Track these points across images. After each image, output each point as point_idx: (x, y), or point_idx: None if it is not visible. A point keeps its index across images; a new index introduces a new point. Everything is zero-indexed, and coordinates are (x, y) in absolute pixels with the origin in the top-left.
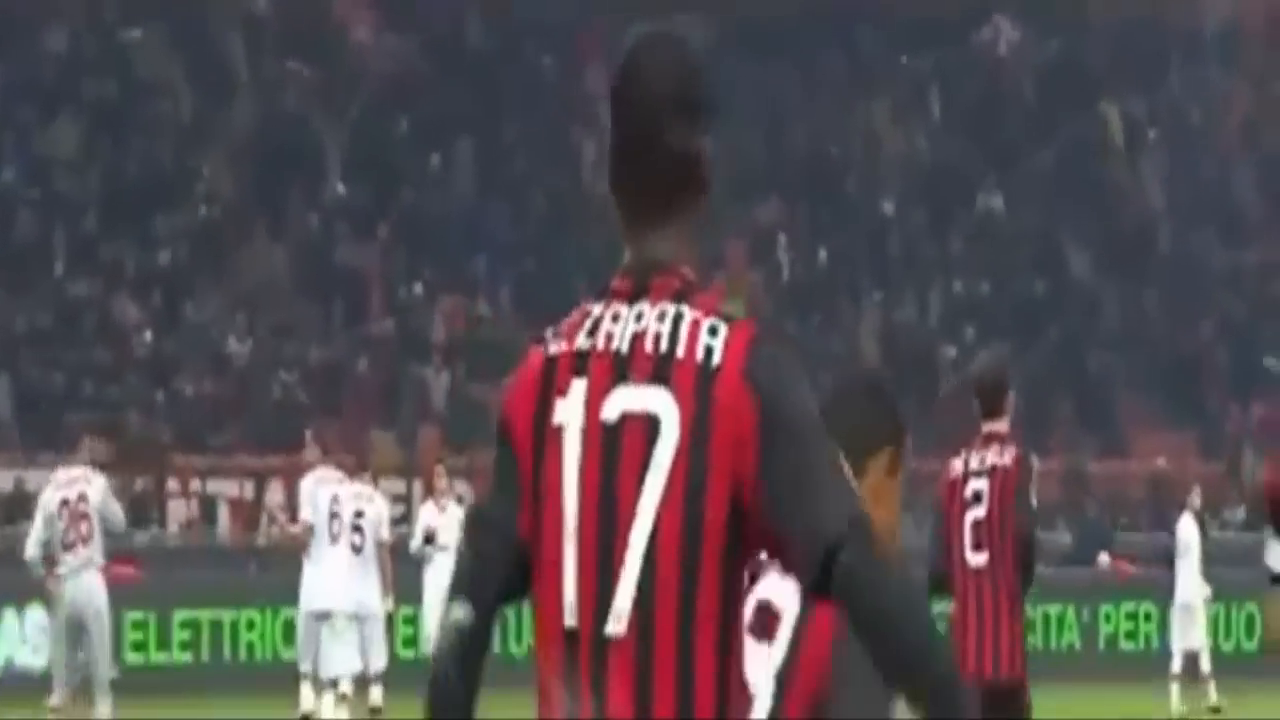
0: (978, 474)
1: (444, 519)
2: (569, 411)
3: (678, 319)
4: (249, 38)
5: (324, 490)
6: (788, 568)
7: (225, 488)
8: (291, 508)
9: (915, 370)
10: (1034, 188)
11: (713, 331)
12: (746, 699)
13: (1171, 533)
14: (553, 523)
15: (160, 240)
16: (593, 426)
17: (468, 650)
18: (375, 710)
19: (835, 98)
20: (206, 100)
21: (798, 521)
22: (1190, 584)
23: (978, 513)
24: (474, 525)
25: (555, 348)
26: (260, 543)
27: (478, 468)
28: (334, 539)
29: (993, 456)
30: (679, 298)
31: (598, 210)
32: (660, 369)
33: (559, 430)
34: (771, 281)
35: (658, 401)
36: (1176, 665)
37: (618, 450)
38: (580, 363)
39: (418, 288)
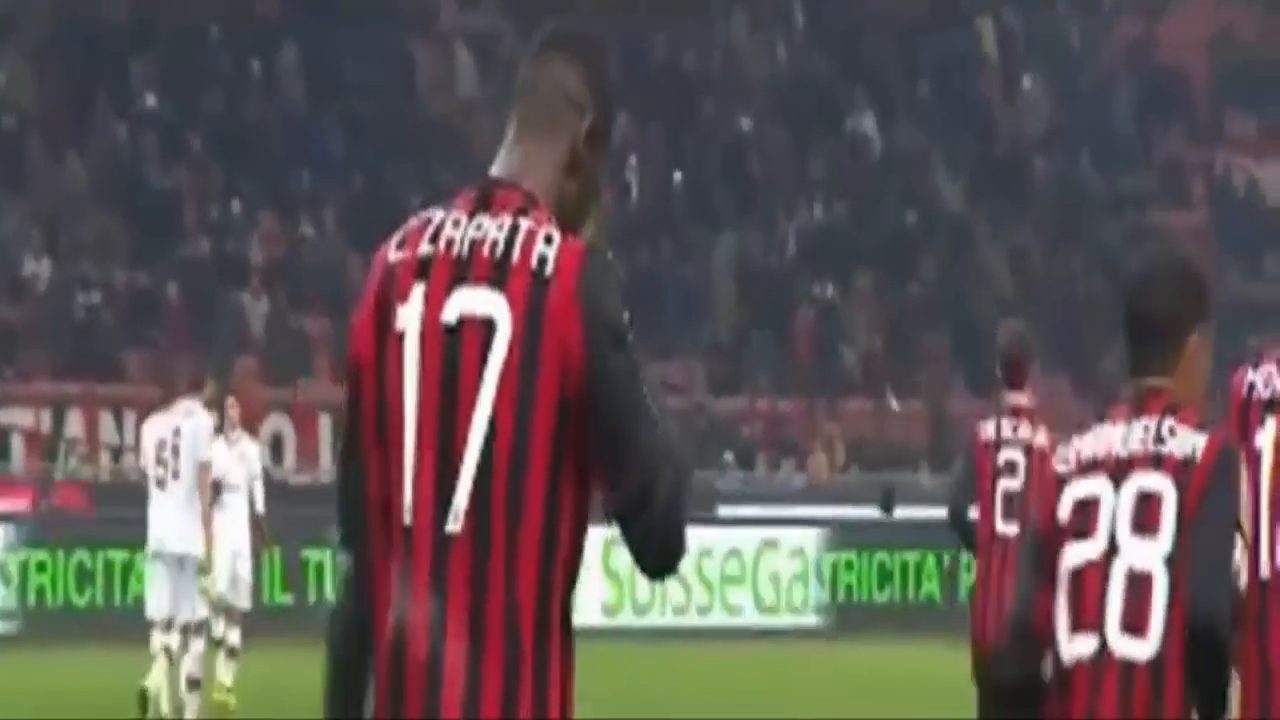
0: (1010, 444)
1: (234, 454)
2: (409, 316)
3: (515, 228)
4: None
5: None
6: (603, 484)
7: (20, 418)
8: (91, 440)
9: (770, 303)
10: (903, 108)
11: (548, 240)
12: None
13: None
14: (396, 429)
15: None
16: (432, 329)
17: (359, 594)
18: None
19: (692, 6)
20: (4, 1)
21: (618, 449)
22: None
23: (1011, 484)
24: (340, 482)
25: (397, 255)
26: (57, 477)
27: (298, 402)
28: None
29: (1025, 431)
30: (519, 212)
31: (434, 125)
32: (497, 274)
33: (400, 336)
34: (619, 204)
35: (494, 305)
36: None
37: (458, 353)
38: (422, 268)
39: (235, 206)
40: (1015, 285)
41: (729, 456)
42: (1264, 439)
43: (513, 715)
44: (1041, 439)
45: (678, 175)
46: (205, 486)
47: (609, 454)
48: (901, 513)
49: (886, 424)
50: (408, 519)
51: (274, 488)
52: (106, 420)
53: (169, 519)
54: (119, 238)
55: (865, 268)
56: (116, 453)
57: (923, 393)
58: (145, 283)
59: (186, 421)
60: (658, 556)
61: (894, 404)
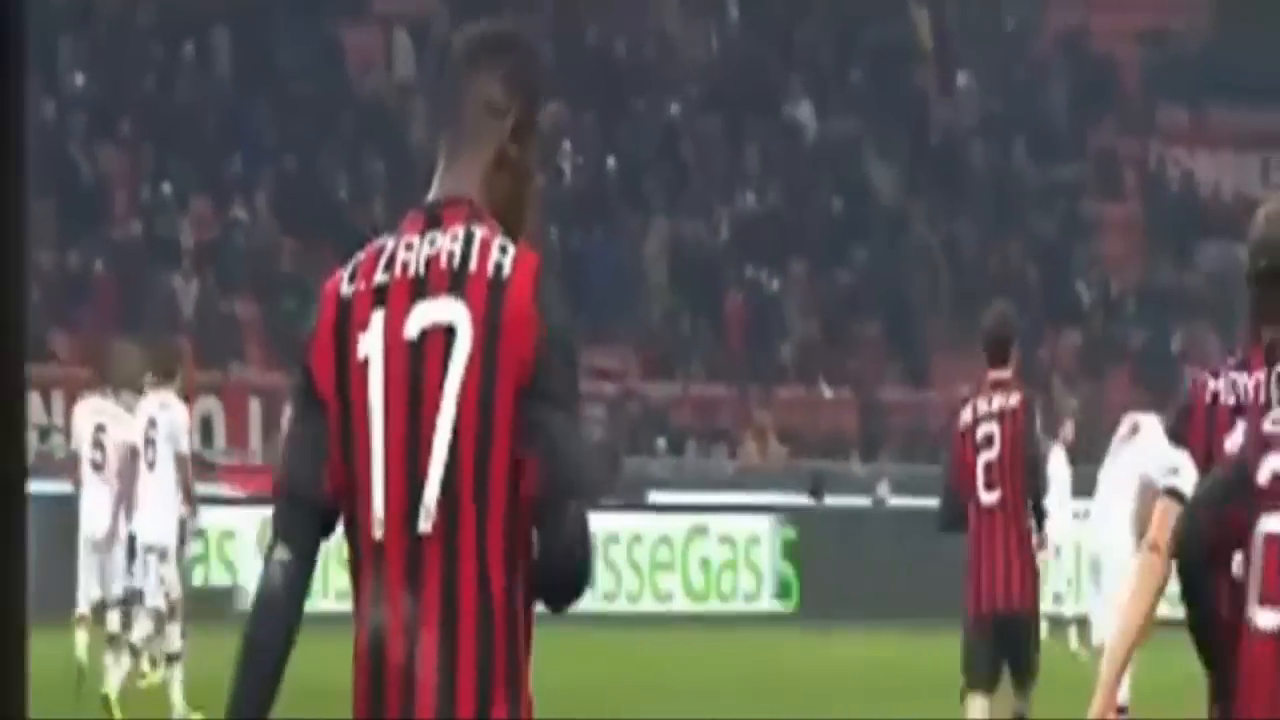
0: (987, 418)
1: None
2: (371, 343)
3: (469, 237)
4: None
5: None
6: (525, 482)
7: None
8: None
9: (703, 289)
10: (837, 96)
11: (503, 250)
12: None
13: None
14: (363, 450)
15: None
16: (395, 348)
17: (292, 584)
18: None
19: None
20: None
21: (545, 460)
22: (1059, 524)
23: (989, 455)
24: (283, 484)
25: (350, 289)
26: None
27: (228, 385)
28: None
29: (999, 400)
30: (470, 221)
31: (367, 108)
32: (455, 282)
33: (364, 363)
34: (552, 189)
35: (454, 311)
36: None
37: (421, 363)
38: (379, 296)
39: (165, 188)
40: (949, 274)
41: (660, 442)
42: (1233, 443)
43: (489, 715)
44: (1013, 400)
45: (611, 160)
46: (188, 479)
47: (537, 469)
48: (831, 500)
49: (818, 411)
50: (378, 532)
51: (203, 470)
52: (34, 401)
53: (147, 507)
54: (47, 219)
55: (798, 255)
56: (44, 433)
57: (855, 380)
58: (74, 264)
59: (163, 414)
60: (560, 577)
61: (826, 391)
